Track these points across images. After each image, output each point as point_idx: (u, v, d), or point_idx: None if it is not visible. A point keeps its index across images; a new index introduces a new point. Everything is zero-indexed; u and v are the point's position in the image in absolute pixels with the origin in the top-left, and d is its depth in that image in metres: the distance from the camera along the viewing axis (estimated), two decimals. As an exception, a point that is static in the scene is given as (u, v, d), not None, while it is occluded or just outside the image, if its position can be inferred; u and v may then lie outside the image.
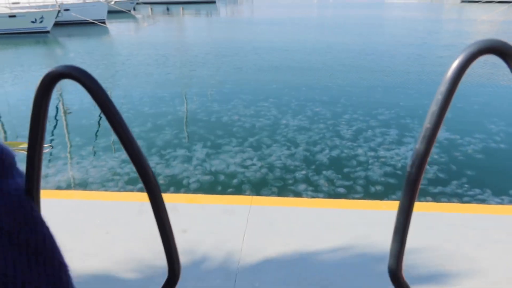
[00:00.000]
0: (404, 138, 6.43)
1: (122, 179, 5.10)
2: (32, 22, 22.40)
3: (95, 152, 6.00)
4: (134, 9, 41.16)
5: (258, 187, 4.89)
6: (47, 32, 22.78)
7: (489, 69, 12.23)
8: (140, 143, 6.41)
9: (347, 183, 4.98)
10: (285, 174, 5.23)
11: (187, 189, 4.84)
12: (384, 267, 2.91)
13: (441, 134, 6.43)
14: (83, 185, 5.00)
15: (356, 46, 16.89)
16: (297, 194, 4.70)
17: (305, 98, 8.91)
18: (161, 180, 5.05)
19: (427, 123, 0.42)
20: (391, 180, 5.04)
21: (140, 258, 2.80)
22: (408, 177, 0.43)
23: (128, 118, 7.65)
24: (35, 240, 0.40)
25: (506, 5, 32.82)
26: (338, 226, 3.22)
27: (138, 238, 3.02)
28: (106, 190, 4.78)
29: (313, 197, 4.61)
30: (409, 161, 0.44)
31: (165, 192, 4.72)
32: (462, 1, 48.20)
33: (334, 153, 5.85)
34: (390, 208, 3.50)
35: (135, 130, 6.89)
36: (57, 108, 8.98)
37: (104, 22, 26.85)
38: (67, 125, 7.52)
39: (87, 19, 25.36)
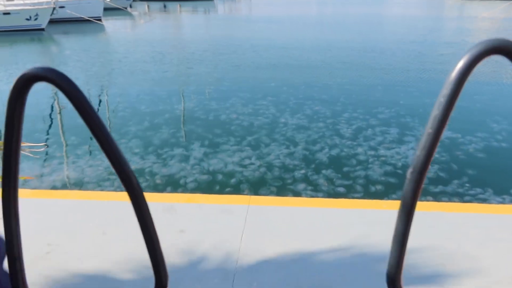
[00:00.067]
0: (404, 137, 6.43)
1: (118, 178, 5.09)
2: (27, 19, 22.33)
3: (91, 151, 5.98)
4: (131, 6, 41.06)
5: (257, 187, 4.89)
6: (42, 29, 22.72)
7: (492, 66, 12.24)
8: (136, 142, 6.42)
9: (347, 182, 4.99)
10: (284, 173, 5.23)
11: (185, 189, 4.84)
12: (385, 268, 2.90)
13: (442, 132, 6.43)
14: (79, 184, 4.99)
15: (355, 43, 16.89)
16: (296, 194, 4.70)
17: (304, 96, 8.91)
18: (158, 180, 5.04)
19: (429, 129, 0.40)
20: (392, 180, 5.04)
21: (137, 259, 2.80)
22: (408, 185, 0.41)
23: (125, 116, 7.65)
24: None
25: (508, 2, 32.85)
26: (337, 226, 3.22)
27: (135, 239, 3.01)
28: (102, 190, 4.77)
29: (312, 196, 4.62)
30: (409, 169, 0.42)
31: (162, 191, 4.71)
32: (463, -2, 48.23)
33: (334, 152, 5.86)
34: (390, 208, 3.50)
35: (131, 129, 6.88)
36: (52, 106, 8.96)
37: (100, 20, 26.78)
38: (62, 123, 7.51)
39: (83, 16, 25.29)
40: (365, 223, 3.23)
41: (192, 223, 3.24)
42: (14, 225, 0.46)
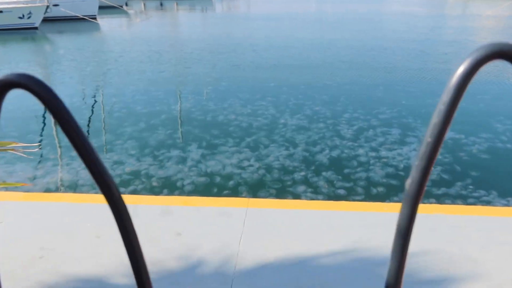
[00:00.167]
0: (406, 137, 6.44)
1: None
2: (20, 17, 22.32)
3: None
4: (126, 4, 41.05)
5: (255, 189, 4.89)
6: (35, 28, 22.71)
7: (495, 65, 12.27)
8: (132, 143, 6.42)
9: (347, 184, 4.99)
10: (283, 175, 5.23)
11: (182, 191, 4.84)
12: (386, 270, 2.90)
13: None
14: (73, 187, 4.99)
15: (356, 42, 16.92)
16: (296, 196, 4.70)
17: (304, 96, 8.92)
18: (154, 182, 5.04)
19: (428, 137, 0.39)
20: (393, 182, 5.05)
21: (132, 263, 2.80)
22: (407, 195, 0.41)
23: (120, 117, 7.65)
24: None
25: (512, 0, 32.94)
26: (338, 228, 3.22)
27: (130, 242, 3.01)
28: (96, 193, 4.77)
29: (312, 199, 4.62)
30: (408, 179, 0.41)
31: (158, 194, 4.72)
32: (466, -4, 48.34)
33: (334, 153, 5.86)
34: (392, 210, 3.50)
35: (127, 130, 6.88)
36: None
37: (95, 18, 26.78)
38: (56, 124, 7.50)
39: (77, 14, 25.29)
40: (366, 226, 3.24)
41: (189, 226, 3.24)
42: None
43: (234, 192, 4.82)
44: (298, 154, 5.85)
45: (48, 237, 3.09)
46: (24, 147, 2.98)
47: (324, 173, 5.26)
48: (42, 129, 7.21)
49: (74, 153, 5.94)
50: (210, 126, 7.04)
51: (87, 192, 4.80)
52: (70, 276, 2.69)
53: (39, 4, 22.74)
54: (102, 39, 20.62)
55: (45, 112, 8.25)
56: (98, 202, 3.63)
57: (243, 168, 5.43)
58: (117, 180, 5.11)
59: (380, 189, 4.88)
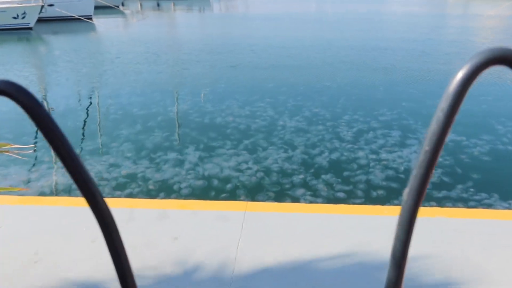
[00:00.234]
0: (407, 139, 6.45)
1: (109, 184, 5.10)
2: (14, 18, 22.31)
3: (81, 156, 5.97)
4: (123, 4, 41.07)
5: (254, 192, 4.89)
6: (30, 28, 22.70)
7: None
8: (128, 145, 6.42)
9: (347, 187, 5.00)
10: (282, 178, 5.24)
11: (178, 195, 4.84)
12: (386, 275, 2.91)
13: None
14: (68, 191, 4.98)
15: (356, 42, 16.96)
16: (295, 199, 4.71)
17: (303, 98, 8.93)
18: (150, 185, 5.04)
19: (426, 146, 0.39)
20: (393, 184, 5.06)
21: (128, 268, 2.80)
22: (405, 205, 0.41)
23: (116, 119, 7.65)
24: None
25: (514, 0, 33.04)
26: (337, 232, 3.23)
27: (127, 247, 3.01)
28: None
29: (311, 202, 4.62)
30: (406, 189, 0.41)
31: (155, 197, 4.72)
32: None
33: (334, 156, 5.87)
34: (392, 214, 3.51)
35: (123, 132, 6.88)
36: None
37: (90, 18, 26.79)
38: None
39: (73, 15, 25.28)
40: (366, 230, 3.24)
41: (186, 230, 3.24)
42: None
43: (232, 196, 4.82)
44: (297, 156, 5.86)
45: (43, 241, 3.09)
46: (18, 149, 2.97)
47: (323, 176, 5.26)
48: (37, 131, 7.20)
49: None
50: (208, 128, 7.05)
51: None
52: (65, 281, 2.69)
53: (34, 4, 22.74)
54: (98, 39, 20.62)
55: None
56: (93, 206, 3.62)
57: (241, 171, 5.43)
58: (113, 183, 5.11)
59: (380, 192, 4.89)
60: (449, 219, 3.41)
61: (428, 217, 3.40)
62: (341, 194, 4.83)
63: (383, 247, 2.99)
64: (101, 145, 6.40)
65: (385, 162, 5.63)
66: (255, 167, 5.52)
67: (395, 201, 4.64)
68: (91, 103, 9.04)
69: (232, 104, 8.43)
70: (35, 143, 6.54)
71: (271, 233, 3.21)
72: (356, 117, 7.55)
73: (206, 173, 5.37)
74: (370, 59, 13.57)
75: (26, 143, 6.42)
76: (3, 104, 8.84)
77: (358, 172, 5.38)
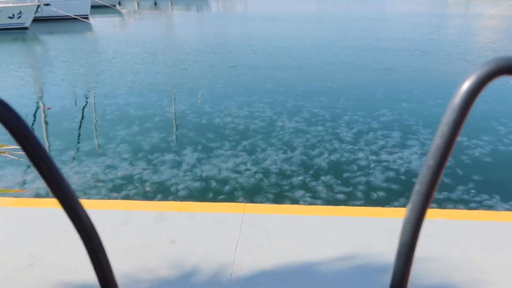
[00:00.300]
0: (408, 141, 6.46)
1: (106, 186, 5.09)
2: (9, 17, 22.30)
3: (77, 157, 5.98)
4: (119, 4, 41.09)
5: (252, 194, 4.89)
6: (26, 28, 22.69)
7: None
8: (125, 147, 6.41)
9: (347, 189, 5.00)
10: (281, 179, 5.24)
11: (176, 197, 4.83)
12: (387, 278, 2.92)
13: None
14: (64, 192, 4.97)
15: (356, 42, 16.98)
16: (294, 201, 4.71)
17: (302, 98, 8.93)
18: (147, 187, 5.04)
19: (430, 160, 0.38)
20: (394, 186, 5.06)
21: (125, 273, 2.80)
22: (407, 221, 0.41)
23: (113, 120, 7.64)
24: None
25: (515, -1, 33.11)
26: (337, 235, 3.23)
27: (123, 250, 3.01)
28: (88, 198, 4.77)
29: (311, 204, 4.62)
30: (408, 205, 0.41)
31: (152, 199, 4.71)
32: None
33: (333, 157, 5.87)
34: (393, 216, 3.51)
35: (120, 133, 6.88)
36: (36, 107, 8.94)
37: (87, 18, 26.79)
38: (46, 126, 7.50)
39: (69, 14, 25.29)
40: (366, 232, 3.24)
41: (184, 232, 3.24)
42: None
43: (230, 197, 4.82)
44: (296, 157, 5.86)
45: (38, 244, 3.09)
46: (14, 150, 2.97)
47: (323, 178, 5.27)
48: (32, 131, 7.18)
49: (64, 157, 5.94)
50: (206, 129, 7.05)
51: (79, 197, 4.78)
52: (61, 284, 2.68)
53: (30, 4, 22.73)
54: (95, 39, 20.61)
55: (35, 113, 8.24)
56: (89, 208, 3.62)
57: (239, 172, 5.43)
58: (109, 185, 5.10)
59: (381, 193, 4.89)
60: (450, 221, 3.41)
61: (428, 219, 3.40)
62: (341, 196, 4.84)
63: (384, 249, 2.99)
64: (98, 146, 6.39)
65: (385, 163, 5.64)
66: (254, 169, 5.52)
67: (396, 203, 4.65)
68: (87, 103, 9.04)
69: (231, 104, 8.43)
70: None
71: (270, 235, 3.21)
72: (356, 117, 7.56)
73: (204, 175, 5.36)
74: (371, 59, 13.58)
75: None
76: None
77: (358, 173, 5.38)
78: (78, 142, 6.67)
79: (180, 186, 5.07)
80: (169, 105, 8.57)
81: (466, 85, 0.37)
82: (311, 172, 5.43)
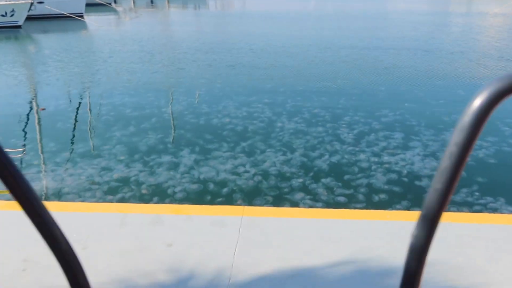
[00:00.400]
0: (410, 142, 6.46)
1: (101, 188, 5.08)
2: (2, 15, 22.29)
3: (71, 159, 5.96)
4: (115, 2, 41.12)
5: (251, 197, 4.89)
6: (19, 27, 22.67)
7: (504, 63, 12.36)
8: (121, 148, 6.40)
9: (348, 191, 5.00)
10: (280, 182, 5.23)
11: (173, 199, 4.83)
12: (389, 282, 2.92)
13: (449, 136, 6.47)
14: (58, 195, 4.97)
15: (357, 41, 16.99)
16: (294, 204, 4.70)
17: (302, 98, 8.93)
18: (143, 190, 5.03)
19: (437, 183, 0.36)
20: (396, 188, 5.06)
21: (120, 277, 2.79)
22: (412, 248, 0.40)
23: (109, 120, 7.63)
24: None
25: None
26: (338, 238, 3.22)
27: (119, 254, 3.00)
28: (83, 201, 4.75)
29: (311, 206, 4.62)
30: (413, 230, 0.39)
31: (148, 202, 4.70)
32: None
33: (334, 158, 5.87)
34: (395, 218, 3.51)
35: (115, 134, 6.87)
36: (29, 107, 8.93)
37: (82, 16, 26.80)
38: (40, 128, 7.49)
39: (63, 12, 25.29)
40: (368, 235, 3.24)
41: (181, 236, 3.23)
42: None
43: (229, 200, 4.81)
44: (296, 159, 5.85)
45: (31, 248, 3.08)
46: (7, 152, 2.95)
47: (323, 180, 5.26)
48: (26, 132, 7.18)
49: (58, 159, 5.93)
50: (203, 130, 7.04)
51: (73, 200, 4.79)
52: (54, 290, 2.67)
53: (23, 2, 22.72)
54: (90, 38, 20.61)
55: (29, 114, 8.23)
56: (84, 211, 3.62)
57: (238, 174, 5.43)
58: (104, 187, 5.09)
59: (382, 196, 4.89)
60: (453, 224, 3.41)
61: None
62: (341, 198, 4.83)
63: (385, 253, 2.99)
64: (93, 147, 6.38)
65: (387, 165, 5.64)
66: (253, 170, 5.51)
67: (398, 206, 4.65)
68: (82, 103, 9.03)
69: (229, 104, 8.43)
70: (24, 145, 6.52)
71: (269, 239, 3.21)
72: (357, 118, 7.56)
73: (201, 177, 5.36)
74: (372, 58, 13.60)
75: (15, 145, 6.41)
76: (-9, 105, 8.81)
77: (359, 175, 5.38)
78: (73, 143, 6.66)
79: (177, 189, 5.06)
80: (166, 105, 8.56)
81: (477, 102, 0.35)
82: (311, 174, 5.43)
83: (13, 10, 22.40)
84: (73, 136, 7.08)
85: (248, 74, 11.59)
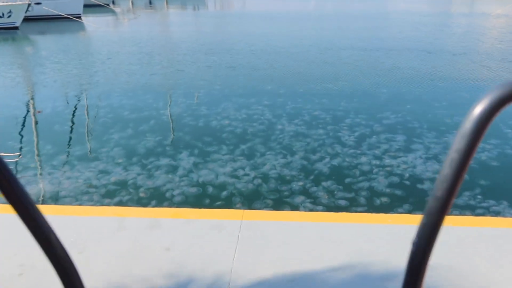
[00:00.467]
0: (412, 144, 6.46)
1: (98, 191, 5.08)
2: (-1, 17, 22.33)
3: (68, 162, 5.97)
4: (113, 3, 41.20)
5: (251, 200, 4.89)
6: (16, 28, 22.70)
7: (507, 64, 12.37)
8: (119, 151, 6.40)
9: (349, 194, 5.00)
10: (280, 185, 5.23)
11: (171, 203, 4.83)
12: (390, 287, 2.92)
13: (451, 139, 6.47)
14: (55, 199, 4.97)
15: (358, 42, 17.02)
16: (294, 207, 4.70)
17: (302, 100, 8.94)
18: (141, 193, 5.03)
19: (438, 191, 0.36)
20: (398, 192, 5.06)
21: (117, 282, 2.78)
22: (413, 256, 0.40)
23: (107, 123, 7.64)
24: None
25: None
26: (339, 242, 3.22)
27: (116, 259, 3.00)
28: (80, 205, 4.75)
29: (311, 210, 4.62)
30: (414, 238, 0.40)
31: (146, 206, 4.70)
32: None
33: (335, 161, 5.87)
34: (396, 222, 3.51)
35: (113, 136, 6.87)
36: (26, 109, 8.94)
37: (79, 17, 26.84)
38: (37, 130, 7.49)
39: (61, 13, 25.32)
40: (369, 239, 3.24)
41: (179, 240, 3.23)
42: None
43: (228, 204, 4.81)
44: (296, 162, 5.86)
45: (28, 252, 3.07)
46: (4, 157, 2.96)
47: (324, 183, 5.26)
48: (22, 135, 7.18)
49: (55, 162, 5.93)
50: (203, 132, 7.05)
51: (70, 204, 4.78)
52: (50, 295, 2.67)
53: (20, 3, 22.76)
54: (88, 39, 20.63)
55: (25, 116, 8.23)
56: (81, 214, 3.62)
57: (237, 177, 5.43)
58: (102, 191, 5.09)
59: (384, 199, 4.89)
60: (456, 227, 3.41)
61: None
62: (342, 202, 4.83)
63: (387, 257, 2.99)
64: (90, 150, 6.38)
65: (389, 168, 5.64)
66: (252, 174, 5.51)
67: (400, 210, 4.64)
68: (80, 106, 9.04)
69: (228, 106, 8.44)
70: (20, 148, 6.53)
71: (269, 243, 3.20)
72: (358, 120, 7.56)
73: (200, 180, 5.36)
74: (374, 59, 13.61)
75: (11, 148, 6.41)
76: (-13, 107, 8.82)
77: (361, 178, 5.38)
78: (70, 146, 6.67)
79: (176, 192, 5.06)
80: (164, 108, 8.57)
81: (478, 109, 0.35)
82: (312, 177, 5.43)
83: (10, 11, 22.43)
84: (71, 138, 7.08)
85: (247, 75, 11.60)
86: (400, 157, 6.01)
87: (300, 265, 2.95)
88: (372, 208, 4.69)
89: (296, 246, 3.16)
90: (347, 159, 5.92)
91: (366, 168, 5.66)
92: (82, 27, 24.13)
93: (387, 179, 5.34)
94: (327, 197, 4.94)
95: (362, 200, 4.87)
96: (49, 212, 3.73)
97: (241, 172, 5.55)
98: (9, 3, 22.62)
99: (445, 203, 0.36)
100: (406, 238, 3.13)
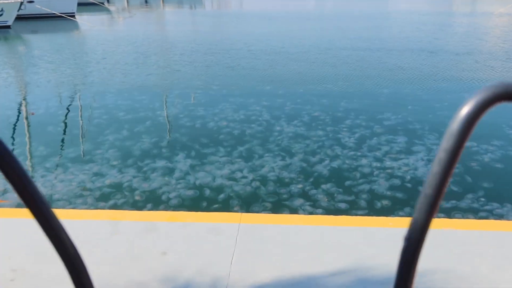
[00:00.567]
0: (413, 146, 6.47)
1: (92, 194, 5.07)
2: (-9, 15, 22.30)
3: (62, 164, 5.96)
4: (108, 1, 41.23)
5: (249, 203, 4.89)
6: (8, 27, 22.67)
7: (511, 64, 12.40)
8: (114, 152, 6.39)
9: (349, 197, 5.00)
10: (279, 188, 5.23)
11: (167, 206, 4.82)
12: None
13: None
14: (49, 202, 4.95)
15: (359, 42, 17.05)
16: (293, 211, 4.70)
17: (302, 101, 8.95)
18: (137, 196, 5.02)
19: (427, 189, 0.38)
20: (399, 194, 5.06)
21: (112, 287, 2.78)
22: (404, 252, 0.41)
23: (101, 124, 7.63)
24: None
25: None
26: (339, 246, 3.22)
27: (111, 263, 3.00)
28: (74, 208, 4.75)
29: (310, 213, 4.62)
30: (405, 234, 0.41)
31: (142, 209, 4.70)
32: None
33: (335, 163, 5.88)
34: (397, 226, 3.51)
35: (108, 138, 6.87)
36: (19, 111, 8.92)
37: (73, 16, 26.82)
38: (29, 131, 7.48)
39: (54, 12, 25.31)
40: (370, 243, 3.24)
41: (176, 244, 3.23)
42: None
43: (225, 207, 4.81)
44: (295, 164, 5.86)
45: (20, 257, 3.07)
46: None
47: (323, 185, 5.26)
48: (14, 137, 7.17)
49: (49, 164, 5.92)
50: (200, 134, 7.04)
51: (63, 207, 4.78)
52: (44, 300, 2.67)
53: (12, 1, 22.74)
54: (82, 38, 20.62)
55: (18, 117, 8.22)
56: (74, 218, 3.61)
57: (235, 180, 5.43)
58: (96, 194, 5.09)
59: (385, 202, 4.89)
60: (458, 231, 3.41)
61: (436, 229, 3.40)
62: (342, 205, 4.84)
63: (388, 261, 2.99)
64: (84, 152, 6.37)
65: (389, 171, 5.65)
66: (250, 176, 5.52)
67: (401, 213, 4.65)
68: (74, 106, 9.03)
69: (226, 107, 8.44)
70: (12, 150, 6.51)
71: (267, 246, 3.21)
72: (359, 121, 7.57)
73: (197, 183, 5.36)
74: (374, 59, 13.64)
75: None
76: (-21, 108, 8.80)
77: (361, 181, 5.38)
78: (64, 148, 6.66)
79: (172, 195, 5.06)
80: (161, 108, 8.57)
81: (465, 110, 0.37)
82: (311, 179, 5.43)
83: (1, 10, 22.41)
84: (64, 140, 7.07)
85: (246, 75, 11.61)
86: (401, 159, 6.02)
87: (299, 269, 2.95)
88: (372, 211, 4.70)
89: (295, 250, 3.16)
90: (347, 161, 5.93)
91: (366, 170, 5.66)
92: (76, 26, 24.12)
93: (388, 182, 5.34)
94: (326, 200, 4.95)
95: (362, 203, 4.87)
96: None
97: (239, 175, 5.55)
98: (1, 2, 22.59)
99: (435, 200, 0.38)
100: (408, 242, 3.12)
